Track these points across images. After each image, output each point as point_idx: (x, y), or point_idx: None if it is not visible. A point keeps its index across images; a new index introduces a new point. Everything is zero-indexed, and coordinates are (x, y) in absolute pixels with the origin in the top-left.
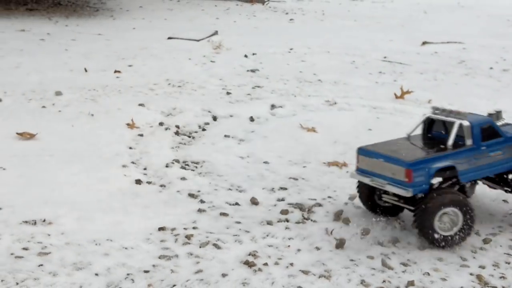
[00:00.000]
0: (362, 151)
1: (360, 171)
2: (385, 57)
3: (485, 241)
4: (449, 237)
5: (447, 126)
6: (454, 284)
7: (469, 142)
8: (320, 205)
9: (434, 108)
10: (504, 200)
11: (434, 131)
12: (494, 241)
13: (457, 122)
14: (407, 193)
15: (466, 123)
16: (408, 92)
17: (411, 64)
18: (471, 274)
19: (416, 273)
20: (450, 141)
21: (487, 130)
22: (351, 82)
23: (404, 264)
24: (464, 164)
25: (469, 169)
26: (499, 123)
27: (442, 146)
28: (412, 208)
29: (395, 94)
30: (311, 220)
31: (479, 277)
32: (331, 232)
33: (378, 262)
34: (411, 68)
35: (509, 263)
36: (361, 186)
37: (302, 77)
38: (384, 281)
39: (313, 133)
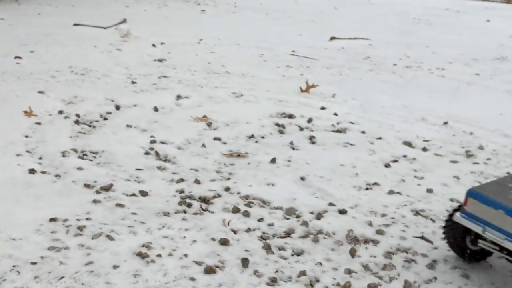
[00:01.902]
0: (475, 195)
1: (468, 215)
2: (293, 51)
3: (378, 232)
4: None
5: None
6: (345, 273)
7: None
8: (219, 196)
9: None
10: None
11: None
12: (387, 232)
13: None
14: None
15: None
16: (313, 86)
17: (318, 59)
18: (361, 263)
19: (309, 263)
20: None
21: None
22: (259, 75)
23: (298, 254)
24: None
25: None
26: None
27: None
28: None
29: (300, 88)
30: (209, 211)
31: (366, 267)
32: (228, 223)
33: (273, 253)
34: (318, 62)
35: (399, 249)
36: (456, 228)
37: (210, 69)
38: (276, 271)
39: (216, 124)
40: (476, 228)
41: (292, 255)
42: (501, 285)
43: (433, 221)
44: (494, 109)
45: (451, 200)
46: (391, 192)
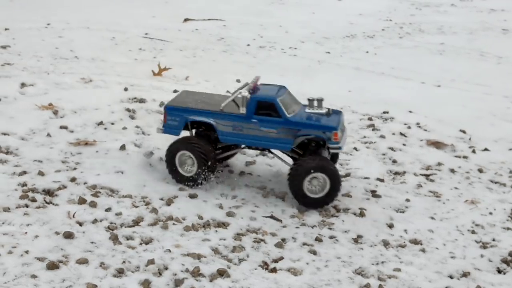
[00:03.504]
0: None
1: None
2: (146, 34)
3: (228, 214)
4: None
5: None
6: (194, 258)
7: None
8: (64, 187)
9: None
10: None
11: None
12: (237, 214)
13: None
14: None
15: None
16: (166, 69)
17: (172, 41)
18: (210, 247)
19: (158, 251)
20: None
21: (266, 107)
22: (109, 59)
23: (146, 243)
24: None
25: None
26: (315, 110)
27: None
28: None
29: (153, 71)
30: (53, 204)
31: (216, 250)
32: (73, 216)
33: (120, 243)
34: (171, 45)
35: (249, 230)
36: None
37: (58, 54)
38: (124, 262)
39: (63, 112)
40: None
41: (141, 244)
42: (346, 259)
43: (283, 200)
44: (343, 86)
45: None
46: (242, 173)
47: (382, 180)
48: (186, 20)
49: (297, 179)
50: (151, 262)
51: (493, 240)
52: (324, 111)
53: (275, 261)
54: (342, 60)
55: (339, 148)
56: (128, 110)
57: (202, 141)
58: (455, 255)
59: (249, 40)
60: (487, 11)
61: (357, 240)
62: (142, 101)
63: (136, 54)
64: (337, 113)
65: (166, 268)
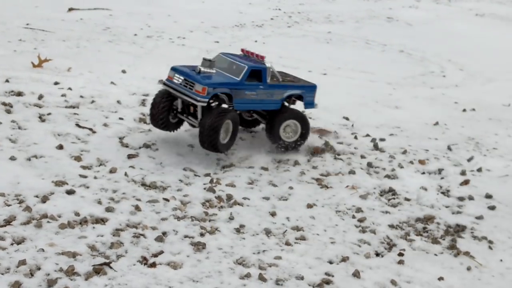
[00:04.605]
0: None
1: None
2: (27, 24)
3: (107, 210)
4: None
5: None
6: (69, 257)
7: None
8: None
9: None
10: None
11: None
12: (117, 208)
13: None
14: None
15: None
16: (46, 60)
17: (54, 31)
18: (87, 245)
19: (30, 251)
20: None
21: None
22: None
23: (18, 243)
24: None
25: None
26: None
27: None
28: None
29: (32, 63)
30: None
31: (92, 248)
32: None
33: None
34: (54, 35)
35: (128, 225)
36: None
37: None
38: None
39: None
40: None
41: (12, 244)
42: (228, 249)
43: (165, 189)
44: None
45: (185, 169)
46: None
47: (266, 169)
48: (70, 9)
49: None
50: (22, 262)
51: (372, 223)
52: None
53: (155, 255)
54: (231, 49)
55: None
56: (4, 104)
57: None
58: (335, 240)
59: (136, 30)
60: (374, 0)
61: (239, 230)
62: (20, 94)
63: (15, 45)
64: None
65: (39, 269)
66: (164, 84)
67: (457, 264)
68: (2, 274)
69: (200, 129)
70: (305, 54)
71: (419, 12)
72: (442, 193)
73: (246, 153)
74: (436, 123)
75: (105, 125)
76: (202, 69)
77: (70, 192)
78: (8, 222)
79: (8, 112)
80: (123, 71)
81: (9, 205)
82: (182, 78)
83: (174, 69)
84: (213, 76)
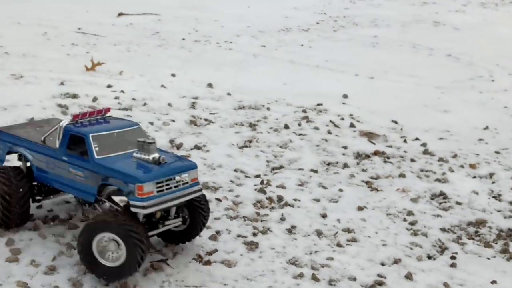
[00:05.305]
0: None
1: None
2: (79, 29)
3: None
4: None
5: None
6: None
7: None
8: None
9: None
10: None
11: None
12: None
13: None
14: None
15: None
16: (99, 63)
17: (105, 36)
18: None
19: None
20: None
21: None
22: (41, 54)
23: None
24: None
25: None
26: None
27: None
28: None
29: (85, 67)
30: None
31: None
32: None
33: None
34: (105, 39)
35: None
36: None
37: None
38: None
39: None
40: None
41: None
42: (280, 249)
43: (217, 189)
44: (278, 79)
45: (235, 170)
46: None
47: (316, 171)
48: (120, 14)
49: None
50: None
51: (424, 227)
52: (152, 156)
53: (209, 253)
54: (277, 53)
55: (142, 207)
56: (60, 105)
57: None
58: (386, 242)
59: (184, 34)
60: (420, 4)
61: (291, 230)
62: (75, 96)
63: (68, 49)
64: (181, 160)
65: None
66: None
67: (510, 268)
68: None
69: None
70: (351, 58)
71: (465, 16)
72: (494, 197)
73: (295, 155)
74: (486, 128)
75: (157, 126)
76: None
77: None
78: None
79: (64, 113)
80: (173, 75)
81: None
82: None
83: None
84: None
